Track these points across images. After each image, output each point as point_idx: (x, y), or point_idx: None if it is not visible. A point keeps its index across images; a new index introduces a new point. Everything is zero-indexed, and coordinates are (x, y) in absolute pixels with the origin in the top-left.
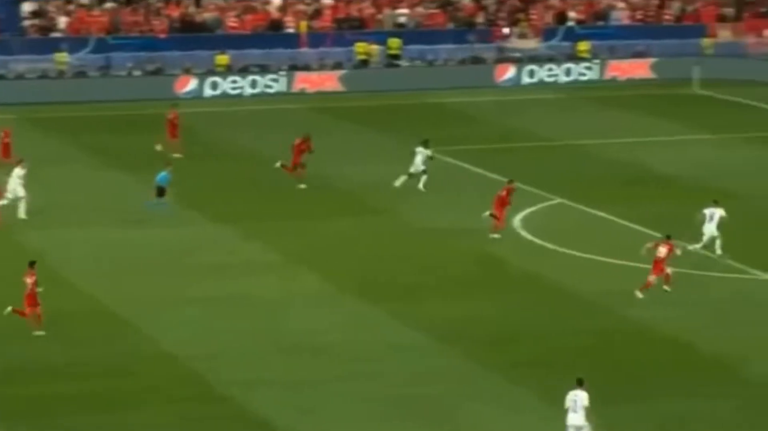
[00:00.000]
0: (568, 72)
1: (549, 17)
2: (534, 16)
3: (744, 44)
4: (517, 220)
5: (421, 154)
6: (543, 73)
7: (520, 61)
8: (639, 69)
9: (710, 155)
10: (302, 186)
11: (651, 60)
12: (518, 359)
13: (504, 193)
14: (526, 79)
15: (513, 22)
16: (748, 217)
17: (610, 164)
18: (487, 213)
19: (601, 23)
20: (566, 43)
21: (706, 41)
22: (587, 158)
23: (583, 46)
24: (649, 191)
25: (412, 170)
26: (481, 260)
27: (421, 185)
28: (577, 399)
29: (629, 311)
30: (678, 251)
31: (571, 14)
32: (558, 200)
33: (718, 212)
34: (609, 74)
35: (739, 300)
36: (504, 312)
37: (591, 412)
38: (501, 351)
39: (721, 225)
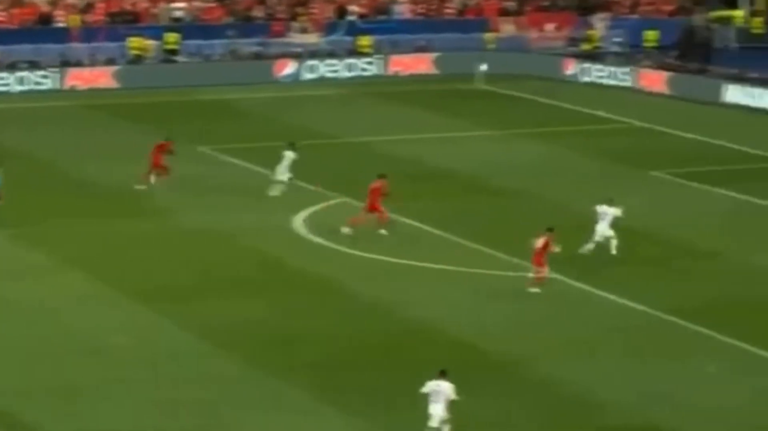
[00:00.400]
0: (349, 67)
1: (330, 11)
2: (315, 11)
3: (526, 38)
4: (298, 219)
5: (287, 158)
6: (324, 68)
7: (300, 57)
8: (421, 64)
9: (493, 151)
10: (140, 187)
11: (433, 55)
12: (298, 361)
13: (377, 185)
14: (306, 75)
15: (293, 17)
16: (528, 213)
17: (393, 160)
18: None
19: (383, 17)
20: (348, 38)
21: (488, 36)
22: (370, 154)
23: (365, 40)
24: (433, 188)
25: (278, 176)
26: (261, 261)
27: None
28: (440, 390)
29: (413, 312)
30: (556, 249)
31: (353, 8)
32: (341, 199)
33: (612, 211)
34: (391, 69)
35: (524, 299)
36: (285, 314)
37: (453, 404)
38: (280, 354)
39: (614, 225)
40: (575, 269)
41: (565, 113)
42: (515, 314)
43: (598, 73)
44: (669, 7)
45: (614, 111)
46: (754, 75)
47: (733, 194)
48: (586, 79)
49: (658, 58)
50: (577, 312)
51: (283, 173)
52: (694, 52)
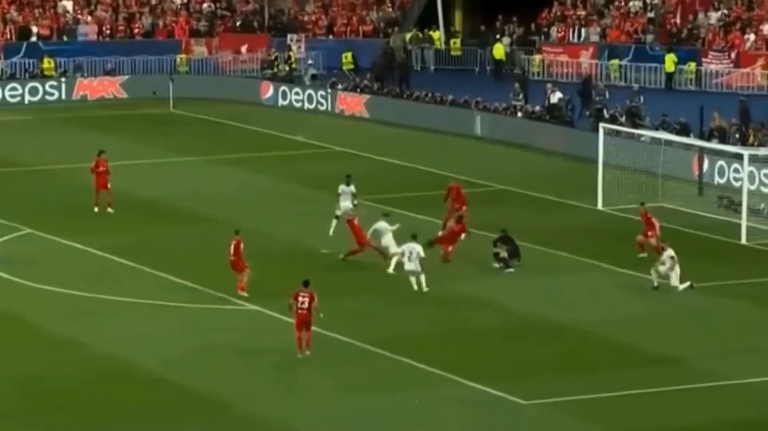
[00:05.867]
0: (33, 91)
1: (9, 32)
2: None
3: (219, 61)
4: None
5: None
6: (6, 92)
7: None
8: (110, 87)
9: (192, 179)
10: None
11: (122, 78)
12: None
13: None
14: None
15: None
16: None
17: (83, 190)
18: None
19: (67, 39)
20: (30, 60)
21: (180, 58)
22: (59, 183)
23: (49, 63)
24: (131, 218)
25: None
26: None
27: None
28: (413, 251)
29: (104, 348)
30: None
31: (35, 29)
32: (27, 231)
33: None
34: (78, 93)
35: (221, 331)
36: None
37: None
38: None
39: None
40: (270, 298)
41: (263, 138)
42: (213, 349)
43: (295, 96)
44: (366, 28)
45: (313, 136)
46: (451, 98)
47: (432, 219)
48: (284, 103)
49: (355, 80)
50: (276, 344)
51: None
52: (392, 75)
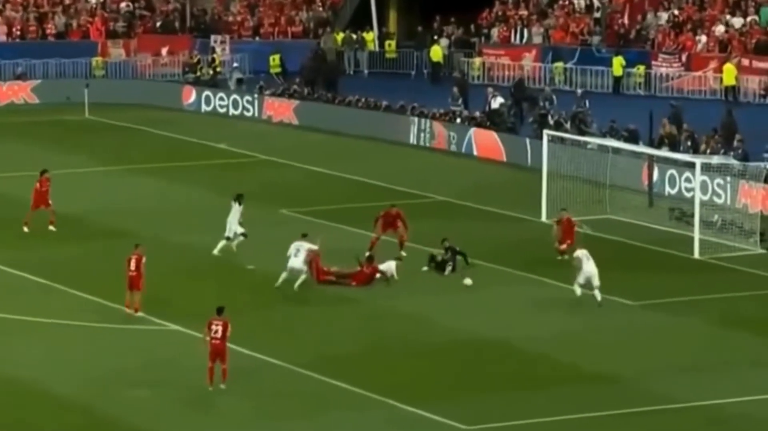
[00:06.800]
0: None
1: None
2: None
3: (137, 64)
4: None
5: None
6: None
7: None
8: (21, 92)
9: (108, 189)
10: None
11: (34, 82)
12: None
13: None
14: None
15: None
16: (149, 257)
17: None
18: None
19: None
20: None
21: (96, 61)
22: None
23: None
24: (44, 232)
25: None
26: None
27: None
28: (300, 248)
29: (10, 371)
30: None
31: None
32: None
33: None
34: None
35: (134, 355)
36: None
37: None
38: None
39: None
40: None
41: (185, 146)
42: (126, 372)
43: (220, 102)
44: (295, 29)
45: (238, 143)
46: (386, 103)
47: (364, 232)
48: (207, 108)
49: (284, 84)
50: (195, 367)
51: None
52: (321, 79)
